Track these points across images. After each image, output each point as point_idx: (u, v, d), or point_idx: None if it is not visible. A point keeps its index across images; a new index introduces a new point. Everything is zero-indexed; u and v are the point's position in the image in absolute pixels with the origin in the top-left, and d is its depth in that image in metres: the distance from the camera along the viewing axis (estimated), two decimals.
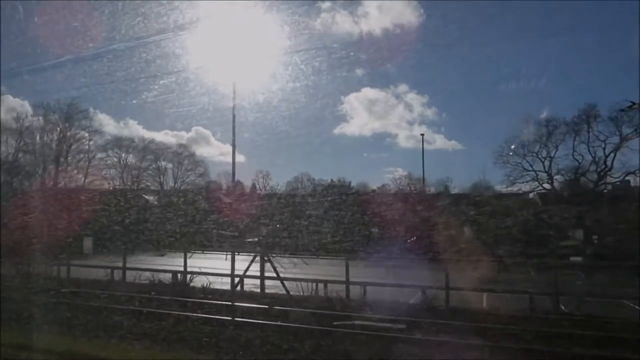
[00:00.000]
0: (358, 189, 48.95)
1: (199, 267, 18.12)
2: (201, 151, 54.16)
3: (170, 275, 18.20)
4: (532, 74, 40.74)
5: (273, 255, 19.01)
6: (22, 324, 11.22)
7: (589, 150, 33.33)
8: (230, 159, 60.42)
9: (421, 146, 53.07)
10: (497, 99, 47.68)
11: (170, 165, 48.81)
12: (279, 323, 10.70)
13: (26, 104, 42.25)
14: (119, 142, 43.37)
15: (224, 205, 44.40)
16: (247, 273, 16.44)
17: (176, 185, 49.45)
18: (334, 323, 10.91)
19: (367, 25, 45.23)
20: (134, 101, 34.01)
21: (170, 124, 64.10)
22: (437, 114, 52.47)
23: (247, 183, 49.64)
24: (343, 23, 43.99)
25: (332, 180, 51.94)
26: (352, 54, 42.79)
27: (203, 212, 40.11)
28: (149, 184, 47.90)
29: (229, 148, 58.44)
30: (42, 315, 11.84)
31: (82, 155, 40.47)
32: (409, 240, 36.90)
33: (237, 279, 16.56)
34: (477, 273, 21.16)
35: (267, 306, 12.65)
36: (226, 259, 26.74)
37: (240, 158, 54.84)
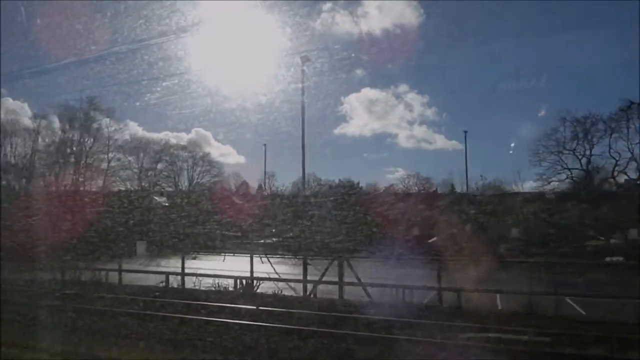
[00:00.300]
0: (367, 189, 47.99)
1: (266, 272, 16.92)
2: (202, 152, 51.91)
3: (229, 280, 17.05)
4: (532, 72, 40.15)
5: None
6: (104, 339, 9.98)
7: (628, 148, 32.46)
8: (231, 160, 58.93)
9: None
10: (498, 99, 46.91)
11: (185, 166, 47.49)
12: (412, 338, 9.49)
13: (25, 106, 40.49)
14: (136, 143, 41.87)
15: (242, 206, 43.18)
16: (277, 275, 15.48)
17: (191, 186, 48.09)
18: (466, 336, 9.80)
19: (367, 25, 44.30)
20: (137, 103, 32.69)
21: (172, 126, 61.80)
22: (438, 114, 51.52)
23: (251, 184, 48.54)
24: (343, 23, 42.95)
25: (340, 180, 50.97)
26: (353, 54, 41.96)
27: (225, 214, 39.10)
28: (164, 185, 46.50)
29: (229, 149, 57.06)
30: (126, 329, 10.55)
31: (102, 156, 38.93)
32: (430, 241, 35.97)
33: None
34: (524, 274, 20.22)
35: (372, 316, 11.44)
36: (262, 262, 25.68)
37: (240, 159, 53.84)
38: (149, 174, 43.29)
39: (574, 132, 33.09)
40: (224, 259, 28.52)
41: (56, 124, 37.09)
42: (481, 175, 40.47)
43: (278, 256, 30.25)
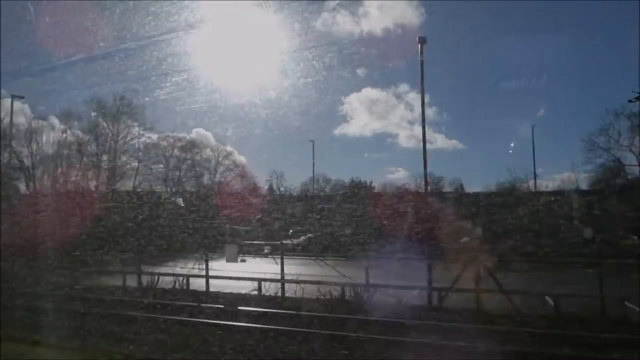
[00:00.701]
0: (382, 189, 46.50)
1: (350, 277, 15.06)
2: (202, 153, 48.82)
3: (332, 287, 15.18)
4: (532, 72, 39.57)
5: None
6: None
7: None
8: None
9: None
10: (497, 98, 46.28)
11: (208, 165, 45.32)
12: None
13: (26, 107, 37.72)
14: (163, 141, 39.58)
15: (266, 207, 41.31)
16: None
17: (213, 185, 45.94)
18: None
19: (368, 25, 43.26)
20: (147, 99, 30.89)
21: (180, 122, 58.67)
22: (438, 114, 50.72)
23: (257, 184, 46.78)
24: (344, 23, 41.81)
25: (352, 180, 49.44)
26: (353, 54, 40.91)
27: (251, 215, 37.49)
28: (188, 185, 44.22)
29: (230, 149, 55.08)
30: None
31: (135, 154, 36.58)
32: (463, 240, 34.47)
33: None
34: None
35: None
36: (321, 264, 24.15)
37: (241, 159, 51.98)
38: (177, 174, 41.06)
39: (631, 126, 31.32)
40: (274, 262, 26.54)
41: (93, 120, 34.51)
42: (529, 172, 38.40)
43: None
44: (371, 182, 48.98)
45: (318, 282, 15.12)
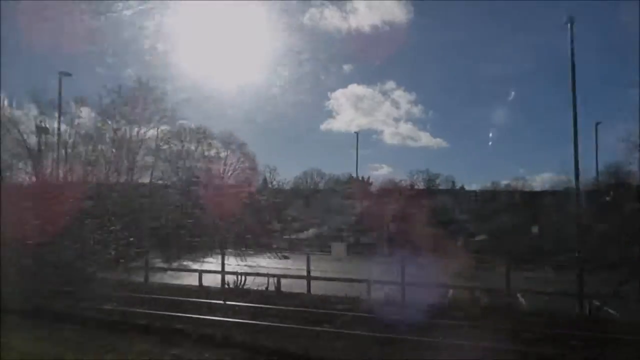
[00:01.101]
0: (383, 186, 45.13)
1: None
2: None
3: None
4: (518, 72, 39.16)
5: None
6: None
7: None
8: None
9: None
10: (482, 97, 45.88)
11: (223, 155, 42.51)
12: None
13: None
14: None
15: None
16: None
17: (224, 178, 43.24)
18: None
19: (356, 21, 42.57)
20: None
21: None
22: (424, 112, 50.25)
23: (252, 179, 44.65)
24: (332, 19, 40.52)
25: (351, 175, 48.08)
26: (340, 50, 39.59)
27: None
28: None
29: (215, 143, 52.27)
30: None
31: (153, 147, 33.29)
32: (477, 239, 33.11)
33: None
34: None
35: None
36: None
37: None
38: (193, 164, 37.99)
39: None
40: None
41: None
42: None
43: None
44: (369, 178, 47.47)
45: (453, 286, 13.20)
